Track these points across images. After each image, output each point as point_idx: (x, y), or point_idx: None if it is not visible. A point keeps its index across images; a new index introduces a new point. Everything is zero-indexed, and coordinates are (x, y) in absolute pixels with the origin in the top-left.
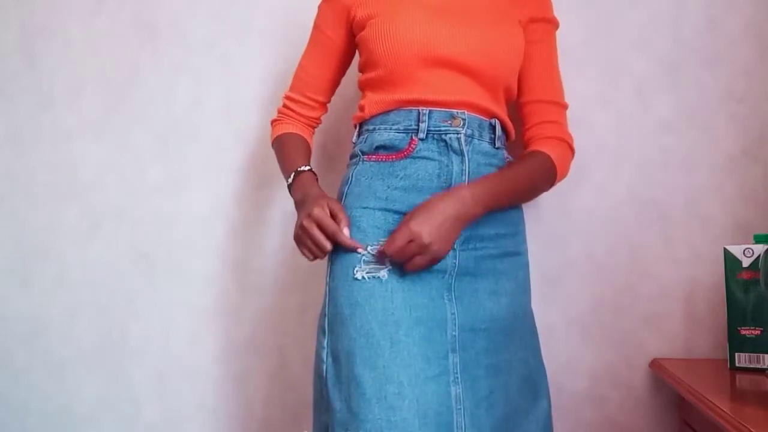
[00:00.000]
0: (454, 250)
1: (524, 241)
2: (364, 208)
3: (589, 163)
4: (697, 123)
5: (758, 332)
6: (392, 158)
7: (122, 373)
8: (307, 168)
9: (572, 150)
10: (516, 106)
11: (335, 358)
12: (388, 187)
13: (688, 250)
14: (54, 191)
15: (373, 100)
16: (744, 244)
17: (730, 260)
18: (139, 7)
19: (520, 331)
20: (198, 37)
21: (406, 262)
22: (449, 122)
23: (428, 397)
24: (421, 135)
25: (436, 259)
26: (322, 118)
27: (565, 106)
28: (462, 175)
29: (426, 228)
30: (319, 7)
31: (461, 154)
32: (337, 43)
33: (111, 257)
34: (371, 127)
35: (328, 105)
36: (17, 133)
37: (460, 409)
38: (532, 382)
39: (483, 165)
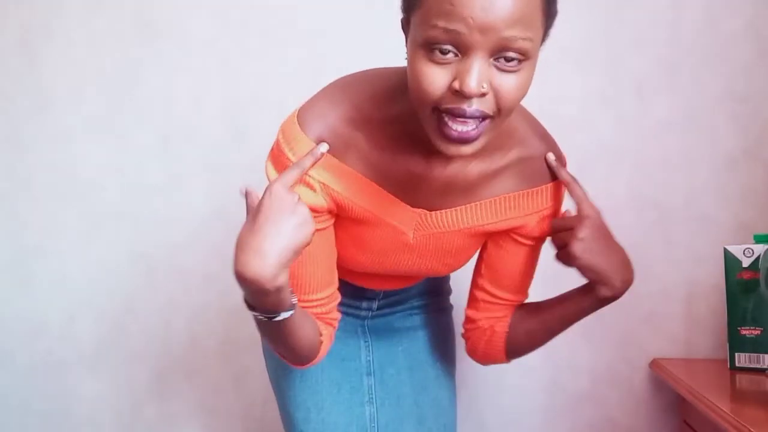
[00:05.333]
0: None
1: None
2: None
3: (589, 163)
4: (697, 123)
5: (758, 332)
6: None
7: (122, 373)
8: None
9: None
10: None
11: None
12: None
13: (688, 250)
14: (54, 191)
15: None
16: (744, 244)
17: (730, 260)
18: (140, 6)
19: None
20: (198, 37)
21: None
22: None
23: (335, 418)
24: None
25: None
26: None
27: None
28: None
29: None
30: None
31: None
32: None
33: (111, 257)
34: None
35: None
36: (17, 133)
37: (374, 427)
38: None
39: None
